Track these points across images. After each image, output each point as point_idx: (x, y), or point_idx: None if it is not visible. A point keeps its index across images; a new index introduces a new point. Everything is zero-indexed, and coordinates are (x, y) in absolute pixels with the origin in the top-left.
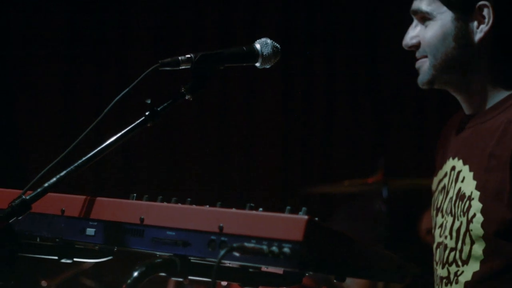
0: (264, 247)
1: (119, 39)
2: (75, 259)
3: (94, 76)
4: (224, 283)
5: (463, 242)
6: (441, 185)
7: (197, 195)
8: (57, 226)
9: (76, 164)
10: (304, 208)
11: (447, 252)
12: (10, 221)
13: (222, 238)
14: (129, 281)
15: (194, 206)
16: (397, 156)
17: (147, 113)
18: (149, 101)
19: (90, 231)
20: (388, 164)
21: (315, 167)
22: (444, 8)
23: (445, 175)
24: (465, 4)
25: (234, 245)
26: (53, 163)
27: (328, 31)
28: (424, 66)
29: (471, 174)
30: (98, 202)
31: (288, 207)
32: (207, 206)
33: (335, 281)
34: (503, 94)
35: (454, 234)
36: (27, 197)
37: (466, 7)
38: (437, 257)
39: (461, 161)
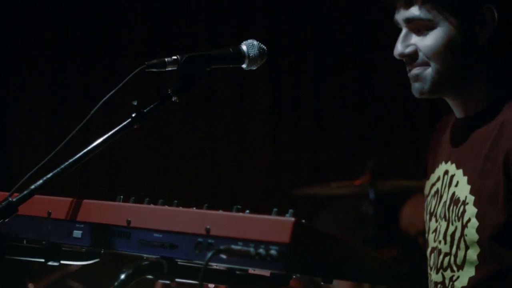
0: (251, 249)
1: (108, 42)
2: (62, 262)
3: (82, 79)
4: (211, 285)
5: (458, 247)
6: (434, 189)
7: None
8: (44, 228)
9: (62, 166)
10: (291, 210)
11: (441, 257)
12: None
13: (209, 240)
14: (116, 283)
15: (181, 208)
16: (385, 158)
17: (133, 115)
18: (135, 103)
19: (77, 233)
20: (375, 166)
21: (303, 169)
22: (446, 14)
23: (438, 179)
24: (469, 10)
25: (221, 247)
26: (40, 165)
27: (317, 32)
28: (425, 73)
29: (465, 178)
30: (85, 204)
31: (275, 209)
32: (194, 208)
33: (322, 283)
34: (501, 95)
35: (448, 239)
36: (14, 199)
37: (470, 12)
38: (431, 262)
39: (454, 165)
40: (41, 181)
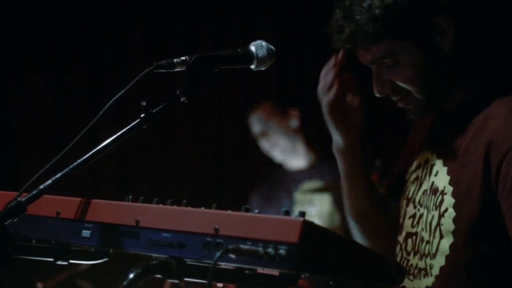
0: (260, 249)
1: (113, 42)
2: (70, 261)
3: (89, 79)
4: (220, 284)
5: (434, 236)
6: (414, 175)
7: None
8: (53, 228)
9: (71, 166)
10: (299, 210)
11: (423, 244)
12: (6, 223)
13: (218, 240)
14: (125, 283)
15: (189, 208)
16: (392, 158)
17: (142, 115)
18: (144, 103)
19: (86, 233)
20: (383, 165)
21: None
22: (403, 43)
23: (419, 166)
24: (421, 28)
25: (230, 247)
26: (49, 165)
27: (322, 33)
28: (412, 101)
29: (445, 169)
30: (94, 204)
31: (283, 209)
32: (203, 208)
33: (330, 282)
34: (480, 89)
35: (428, 227)
36: (23, 199)
37: (424, 30)
38: (409, 247)
39: (435, 154)
40: (50, 181)
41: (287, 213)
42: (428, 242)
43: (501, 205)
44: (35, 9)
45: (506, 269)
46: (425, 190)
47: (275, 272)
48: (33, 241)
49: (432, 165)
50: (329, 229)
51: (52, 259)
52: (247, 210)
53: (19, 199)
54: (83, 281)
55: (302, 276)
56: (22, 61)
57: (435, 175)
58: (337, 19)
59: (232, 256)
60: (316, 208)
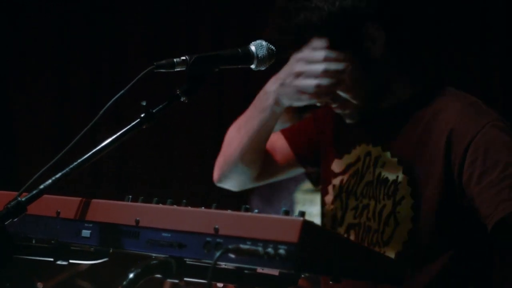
0: (260, 248)
1: (113, 42)
2: (70, 261)
3: (89, 79)
4: (219, 284)
5: (386, 224)
6: (353, 169)
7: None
8: (53, 228)
9: (71, 166)
10: (299, 210)
11: (371, 233)
12: (6, 223)
13: (218, 240)
14: (124, 282)
15: (189, 208)
16: None
17: (142, 115)
18: (144, 103)
19: (86, 233)
20: None
21: None
22: (339, 49)
23: (358, 159)
24: (352, 36)
25: (230, 246)
26: (49, 165)
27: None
28: (348, 108)
29: (394, 160)
30: (94, 204)
31: (283, 209)
32: (203, 207)
33: (330, 282)
34: (420, 87)
35: (375, 216)
36: (23, 199)
37: (354, 39)
38: (351, 238)
39: (379, 147)
40: (50, 181)
41: (287, 213)
42: (376, 230)
43: (467, 190)
44: (35, 9)
45: (467, 253)
46: (369, 182)
47: (275, 272)
48: (33, 241)
49: (377, 157)
50: (329, 229)
51: (52, 259)
52: (247, 210)
53: (19, 199)
54: (83, 281)
55: (302, 276)
56: (22, 61)
57: (382, 166)
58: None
59: (232, 256)
60: (316, 208)
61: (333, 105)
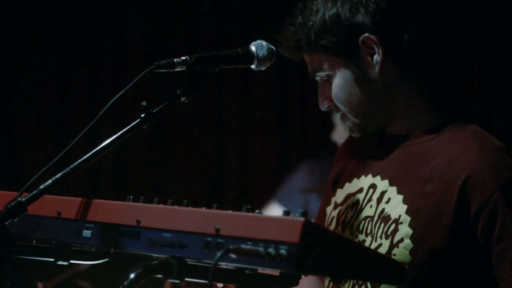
0: (261, 249)
1: (113, 42)
2: (71, 261)
3: (89, 79)
4: (220, 284)
5: None
6: (352, 200)
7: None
8: (53, 228)
9: (72, 166)
10: (300, 210)
11: None
12: (6, 223)
13: (219, 240)
14: (125, 283)
15: (190, 208)
16: None
17: (142, 115)
18: (144, 103)
19: (87, 233)
20: None
21: None
22: (334, 58)
23: (360, 191)
24: (347, 46)
25: (231, 247)
26: (49, 165)
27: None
28: (348, 121)
29: (400, 197)
30: (94, 204)
31: (284, 209)
32: (204, 208)
33: (331, 282)
34: (437, 117)
35: None
36: (23, 199)
37: (350, 48)
38: None
39: (386, 181)
40: (50, 181)
41: (288, 213)
42: None
43: (483, 248)
44: (35, 9)
45: None
46: (369, 217)
47: (276, 272)
48: (34, 241)
49: (383, 192)
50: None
51: (52, 259)
52: (248, 210)
53: (20, 199)
54: (83, 281)
55: (303, 276)
56: (22, 61)
57: (386, 202)
58: (286, 24)
59: (233, 256)
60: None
61: (337, 114)
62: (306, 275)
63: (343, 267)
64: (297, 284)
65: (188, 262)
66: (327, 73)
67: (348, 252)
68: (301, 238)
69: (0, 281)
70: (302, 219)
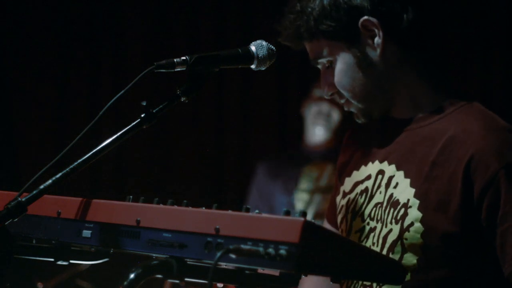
0: (261, 249)
1: (113, 42)
2: (71, 261)
3: (89, 79)
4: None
5: (391, 250)
6: (361, 187)
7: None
8: (53, 228)
9: (71, 166)
10: (300, 210)
11: None
12: (6, 223)
13: (219, 240)
14: (125, 283)
15: (190, 208)
16: None
17: (142, 115)
18: (144, 103)
19: (86, 233)
20: None
21: None
22: (337, 44)
23: (368, 177)
24: (347, 30)
25: (231, 247)
26: (49, 165)
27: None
28: (352, 107)
29: (408, 180)
30: (94, 204)
31: (284, 209)
32: (203, 208)
33: (331, 282)
34: (441, 99)
35: (381, 241)
36: (23, 199)
37: (350, 32)
38: None
39: (393, 165)
40: (50, 181)
41: (288, 213)
42: None
43: (487, 228)
44: (36, 9)
45: (477, 286)
46: (379, 203)
47: (275, 272)
48: (34, 241)
49: (391, 177)
50: (330, 229)
51: (52, 259)
52: (247, 210)
53: (20, 199)
54: (83, 281)
55: (303, 276)
56: (22, 61)
57: (394, 187)
58: (285, 13)
59: (233, 256)
60: (317, 207)
61: (341, 101)
62: (306, 275)
63: (343, 267)
64: (297, 284)
65: (188, 262)
66: (328, 59)
67: (348, 252)
68: (301, 238)
69: (0, 281)
70: (302, 219)
